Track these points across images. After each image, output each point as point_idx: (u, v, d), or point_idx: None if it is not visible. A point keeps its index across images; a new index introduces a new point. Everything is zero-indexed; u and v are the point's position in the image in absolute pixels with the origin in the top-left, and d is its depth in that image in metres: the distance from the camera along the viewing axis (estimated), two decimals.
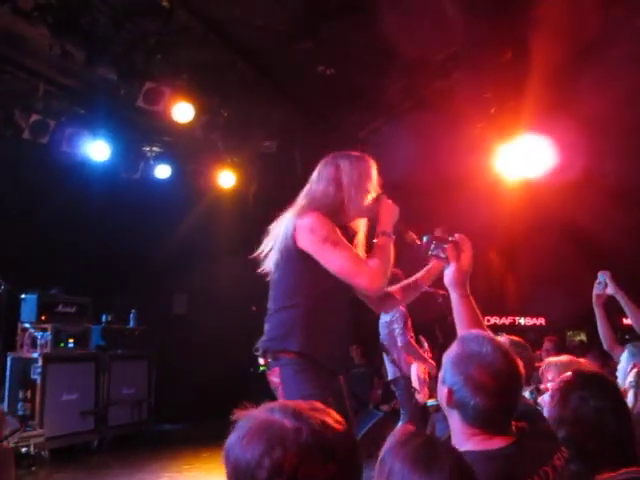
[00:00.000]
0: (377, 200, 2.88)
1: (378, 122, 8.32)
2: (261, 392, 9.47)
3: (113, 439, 7.81)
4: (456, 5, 5.79)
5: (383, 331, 6.38)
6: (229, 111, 7.53)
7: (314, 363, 2.70)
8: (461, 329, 2.22)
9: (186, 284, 10.17)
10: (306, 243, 2.70)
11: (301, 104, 7.78)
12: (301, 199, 2.90)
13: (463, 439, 1.79)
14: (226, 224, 9.39)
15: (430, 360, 6.14)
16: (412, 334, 6.23)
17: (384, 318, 6.35)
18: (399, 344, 6.14)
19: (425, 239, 2.40)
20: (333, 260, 2.68)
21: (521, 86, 6.31)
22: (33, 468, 6.44)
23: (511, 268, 8.35)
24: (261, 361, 2.88)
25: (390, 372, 6.46)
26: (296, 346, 2.70)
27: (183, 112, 6.66)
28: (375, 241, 2.82)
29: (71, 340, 7.75)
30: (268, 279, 2.95)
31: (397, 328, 6.17)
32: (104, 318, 8.55)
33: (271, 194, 8.95)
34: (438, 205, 8.28)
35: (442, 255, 2.36)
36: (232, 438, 1.17)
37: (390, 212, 2.87)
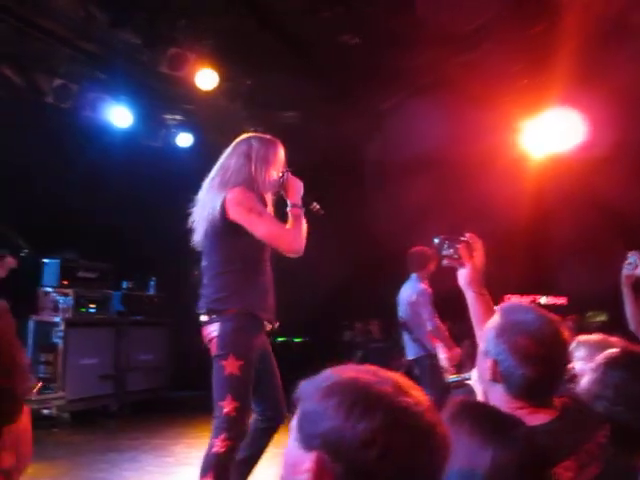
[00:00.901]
0: (283, 176, 3.35)
1: (401, 95, 8.19)
2: (278, 363, 9.50)
3: (131, 404, 7.90)
4: None
5: (405, 309, 6.25)
6: (252, 80, 7.45)
7: (252, 318, 3.25)
8: (479, 328, 2.17)
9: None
10: (235, 215, 3.17)
11: (324, 74, 7.67)
12: (216, 173, 3.41)
13: (509, 410, 1.74)
14: None
15: (456, 347, 6.02)
16: (437, 315, 6.11)
17: (406, 296, 6.24)
18: (428, 328, 5.99)
19: (436, 240, 2.40)
20: (259, 228, 3.16)
21: (551, 59, 6.16)
22: (55, 429, 6.57)
23: (535, 246, 8.24)
24: (204, 318, 3.36)
25: (412, 351, 6.31)
26: (238, 305, 3.23)
27: (207, 79, 6.60)
28: (288, 212, 3.29)
29: (92, 305, 7.82)
30: (196, 246, 3.46)
31: (424, 312, 6.03)
32: (124, 285, 8.61)
33: (292, 166, 8.88)
34: (462, 181, 8.17)
35: (455, 256, 2.34)
36: (329, 401, 1.01)
37: (296, 187, 3.34)
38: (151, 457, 5.70)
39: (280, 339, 9.68)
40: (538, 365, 1.73)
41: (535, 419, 1.70)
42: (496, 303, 2.23)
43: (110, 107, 7.53)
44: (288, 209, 3.33)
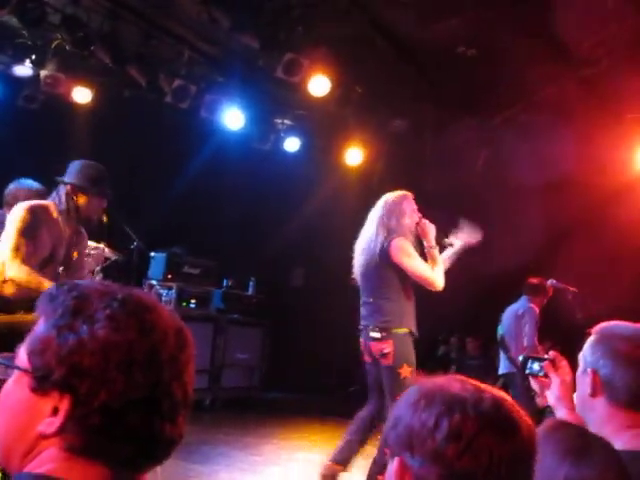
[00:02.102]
0: (417, 224, 4.28)
1: (515, 109, 7.99)
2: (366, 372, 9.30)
3: (225, 400, 8.07)
4: None
5: (508, 323, 6.15)
6: (363, 87, 7.48)
7: (412, 336, 4.19)
8: None
9: (305, 258, 10.30)
10: (397, 258, 4.12)
11: (436, 85, 7.59)
12: (380, 225, 4.25)
13: (610, 432, 1.65)
14: (350, 201, 9.37)
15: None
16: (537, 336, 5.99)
17: (513, 311, 6.16)
18: (524, 344, 5.89)
19: (521, 358, 2.38)
20: (415, 271, 4.14)
21: None
22: None
23: None
24: (376, 335, 4.20)
25: (503, 366, 6.21)
26: (405, 325, 4.17)
27: (319, 85, 6.68)
28: (426, 252, 4.22)
29: (193, 300, 8.06)
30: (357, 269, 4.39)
31: (527, 327, 5.94)
32: (225, 283, 8.81)
33: (396, 174, 8.85)
34: (573, 199, 7.85)
35: (540, 373, 2.29)
36: (402, 404, 1.09)
37: (430, 230, 4.25)
38: (242, 454, 5.79)
39: None
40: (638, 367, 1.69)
41: None
42: None
43: (224, 109, 7.75)
44: (425, 250, 4.24)
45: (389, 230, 4.21)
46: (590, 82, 6.85)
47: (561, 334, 6.46)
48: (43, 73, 6.96)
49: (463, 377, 1.11)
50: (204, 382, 7.83)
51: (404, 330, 4.16)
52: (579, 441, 1.31)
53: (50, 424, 0.94)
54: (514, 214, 7.84)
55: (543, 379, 2.26)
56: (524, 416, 1.06)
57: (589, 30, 6.33)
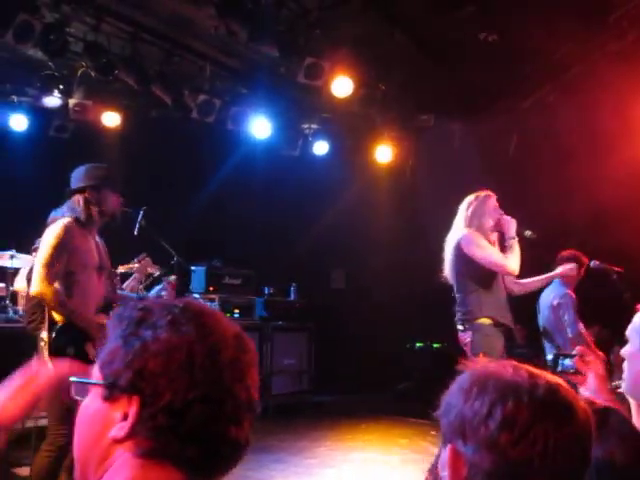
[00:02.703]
0: (499, 220, 4.53)
1: (543, 91, 7.87)
2: (415, 369, 9.38)
3: (276, 407, 8.11)
4: None
5: (546, 314, 5.98)
6: (386, 85, 7.46)
7: (497, 326, 4.34)
8: None
9: (344, 259, 10.30)
10: (468, 250, 4.36)
11: (461, 74, 7.52)
12: (462, 223, 4.52)
13: None
14: (384, 199, 9.37)
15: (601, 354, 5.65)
16: (581, 322, 5.81)
17: (548, 301, 5.97)
18: (569, 335, 5.71)
19: (550, 357, 2.37)
20: (485, 258, 4.35)
21: None
22: None
23: None
24: (460, 327, 4.43)
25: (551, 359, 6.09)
26: (485, 315, 4.32)
27: (342, 86, 6.68)
28: (506, 244, 4.45)
29: (236, 310, 8.13)
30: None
31: (567, 317, 5.74)
32: (266, 290, 8.87)
33: (428, 168, 8.80)
34: (602, 176, 7.68)
35: (571, 370, 2.25)
36: (453, 390, 1.08)
37: (510, 225, 4.50)
38: (296, 459, 5.82)
39: (419, 344, 9.59)
40: None
41: None
42: None
43: (250, 119, 7.82)
44: (505, 243, 4.47)
45: (469, 227, 4.46)
46: (619, 53, 6.70)
47: (609, 316, 6.32)
48: (71, 102, 7.12)
49: (516, 363, 1.09)
50: None
51: (483, 320, 4.32)
52: (616, 421, 1.28)
53: (121, 428, 0.98)
54: (552, 197, 7.71)
55: (575, 376, 2.21)
56: (580, 401, 1.04)
57: (613, 2, 6.22)
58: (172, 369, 0.98)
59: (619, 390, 2.22)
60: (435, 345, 9.52)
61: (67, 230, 3.77)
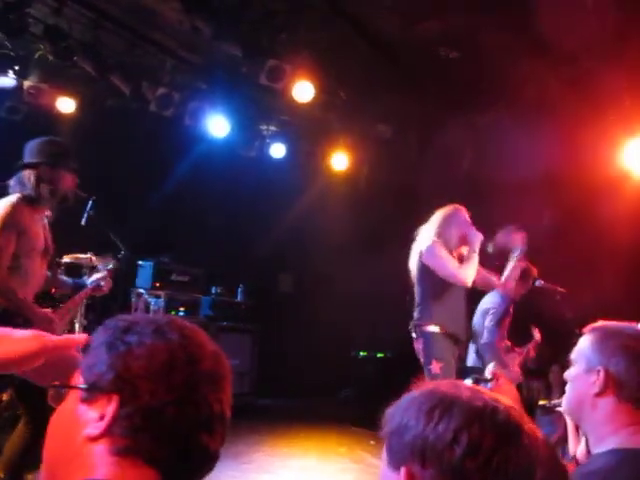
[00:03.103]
0: (466, 234, 4.68)
1: (498, 110, 8.03)
2: (358, 376, 9.43)
3: None
4: None
5: (477, 316, 5.91)
6: (347, 92, 7.50)
7: (445, 333, 4.49)
8: None
9: (294, 263, 10.31)
10: (427, 260, 4.56)
11: (420, 88, 7.62)
12: (431, 233, 4.68)
13: (611, 430, 1.66)
14: (338, 206, 9.41)
15: (515, 367, 5.72)
16: (505, 335, 5.84)
17: (484, 304, 6.02)
18: (482, 340, 5.70)
19: (470, 381, 2.44)
20: (440, 269, 4.55)
21: None
22: None
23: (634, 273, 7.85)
24: (413, 334, 4.59)
25: (470, 360, 6.10)
26: (435, 323, 4.50)
27: (303, 91, 6.68)
28: (466, 256, 4.64)
29: (182, 308, 8.04)
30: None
31: (488, 323, 5.69)
32: (214, 290, 8.80)
33: (383, 178, 8.88)
34: (556, 197, 7.89)
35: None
36: (409, 410, 1.04)
37: (475, 238, 4.65)
38: (234, 463, 5.75)
39: (363, 353, 9.65)
40: None
41: None
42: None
43: (209, 116, 7.75)
44: (465, 253, 4.66)
45: (436, 234, 4.64)
46: (572, 80, 6.89)
47: (550, 335, 6.47)
48: (26, 84, 6.94)
49: (459, 382, 1.10)
50: None
51: (431, 327, 4.49)
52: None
53: (97, 427, 1.01)
54: (499, 214, 7.85)
55: None
56: (527, 422, 1.05)
57: (569, 29, 6.38)
58: (153, 371, 1.03)
59: (557, 409, 2.27)
60: (379, 354, 9.59)
61: (16, 208, 3.54)
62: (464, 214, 4.79)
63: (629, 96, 6.89)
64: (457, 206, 4.82)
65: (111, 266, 5.41)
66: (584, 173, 7.44)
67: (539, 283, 5.92)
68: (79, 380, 1.07)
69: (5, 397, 4.35)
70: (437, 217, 4.77)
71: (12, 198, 3.59)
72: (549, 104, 7.05)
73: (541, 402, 5.29)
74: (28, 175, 3.66)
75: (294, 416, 8.32)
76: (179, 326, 1.10)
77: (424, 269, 4.59)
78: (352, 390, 9.09)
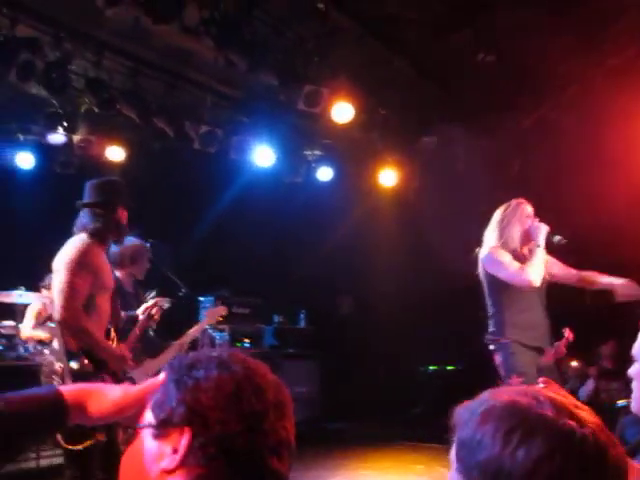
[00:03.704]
0: (530, 227, 4.28)
1: (543, 109, 7.89)
2: (428, 392, 9.24)
3: None
4: None
5: None
6: (387, 109, 7.49)
7: (524, 346, 4.15)
8: None
9: (351, 285, 10.27)
10: (490, 269, 4.22)
11: (460, 97, 7.56)
12: (493, 231, 4.36)
13: None
14: (389, 223, 9.36)
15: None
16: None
17: None
18: None
19: None
20: (505, 277, 4.17)
21: None
22: None
23: None
24: (491, 347, 4.28)
25: None
26: (509, 336, 4.17)
27: (342, 112, 6.71)
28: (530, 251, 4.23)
29: (246, 340, 8.11)
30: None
31: None
32: (275, 319, 8.85)
33: (433, 190, 8.80)
34: (606, 192, 7.66)
35: None
36: (485, 426, 0.94)
37: (539, 231, 4.23)
38: None
39: (432, 367, 9.51)
40: None
41: None
42: None
43: (253, 147, 7.86)
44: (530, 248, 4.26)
45: (497, 236, 4.31)
46: (617, 73, 6.72)
47: (623, 332, 6.22)
48: (75, 138, 7.19)
49: (540, 391, 0.98)
50: None
51: (507, 340, 4.18)
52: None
53: (172, 460, 1.05)
54: (556, 213, 7.67)
55: None
56: (613, 445, 0.94)
57: (612, 17, 6.24)
58: (221, 402, 1.07)
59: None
60: (448, 368, 9.44)
61: (88, 247, 3.58)
62: (525, 208, 4.39)
63: None
64: (517, 200, 4.44)
65: (153, 294, 5.53)
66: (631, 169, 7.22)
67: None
68: (149, 418, 1.11)
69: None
70: (496, 217, 4.41)
71: (82, 237, 3.64)
72: (597, 95, 6.87)
73: (619, 403, 5.06)
74: (93, 214, 3.72)
75: (366, 438, 8.22)
76: (241, 359, 1.15)
77: (490, 278, 4.26)
78: (422, 406, 8.95)
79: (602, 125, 7.08)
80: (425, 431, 7.77)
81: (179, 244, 7.93)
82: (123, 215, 3.90)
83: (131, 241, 4.77)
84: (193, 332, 5.35)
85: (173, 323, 6.62)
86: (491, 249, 4.24)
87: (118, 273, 4.72)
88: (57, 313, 3.48)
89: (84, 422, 1.26)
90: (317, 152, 8.82)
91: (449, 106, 7.66)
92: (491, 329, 4.29)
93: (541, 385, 2.16)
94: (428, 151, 8.47)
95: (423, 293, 8.74)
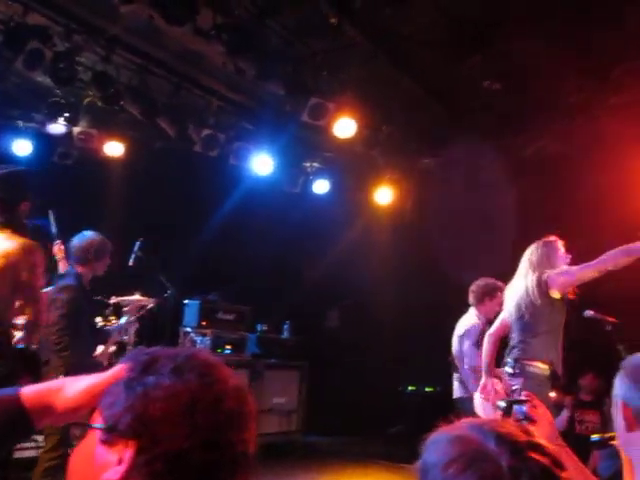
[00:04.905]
0: None
1: (544, 141, 7.94)
2: (407, 412, 9.21)
3: (264, 446, 7.97)
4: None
5: (455, 345, 5.81)
6: (390, 127, 7.52)
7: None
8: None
9: (340, 298, 10.26)
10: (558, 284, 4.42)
11: (464, 121, 7.60)
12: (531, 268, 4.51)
13: None
14: (383, 240, 9.37)
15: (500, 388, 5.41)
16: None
17: (458, 331, 5.82)
18: (465, 365, 5.54)
19: (503, 404, 2.34)
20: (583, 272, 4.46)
21: None
22: None
23: None
24: (510, 370, 4.34)
25: (456, 391, 5.87)
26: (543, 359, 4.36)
27: (345, 127, 6.72)
28: None
29: (228, 346, 8.04)
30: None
31: (465, 347, 5.54)
32: (260, 327, 8.81)
33: (428, 211, 8.83)
34: (603, 223, 7.70)
35: (524, 417, 2.26)
36: (435, 454, 0.98)
37: None
38: None
39: (411, 387, 9.48)
40: None
41: None
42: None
43: (253, 155, 7.85)
44: None
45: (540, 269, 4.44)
46: (621, 110, 6.78)
47: (602, 366, 6.26)
48: (76, 130, 7.15)
49: (493, 423, 0.99)
50: None
51: (540, 366, 4.34)
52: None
53: (115, 472, 0.97)
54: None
55: (528, 423, 2.18)
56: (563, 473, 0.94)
57: (618, 56, 6.29)
58: (172, 415, 0.98)
59: (611, 442, 2.21)
60: (427, 389, 9.42)
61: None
62: (560, 246, 4.60)
63: None
64: (551, 238, 4.62)
65: (149, 306, 5.55)
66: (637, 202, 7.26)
67: (587, 314, 5.72)
68: (98, 420, 1.04)
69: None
70: (536, 249, 4.57)
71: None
72: (598, 132, 6.93)
73: (593, 437, 5.08)
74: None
75: (343, 454, 8.19)
76: (200, 363, 1.06)
77: (535, 305, 4.38)
78: (402, 426, 8.92)
79: (601, 163, 7.15)
80: (400, 451, 7.75)
81: (172, 244, 7.90)
82: (26, 208, 3.93)
83: (91, 236, 4.72)
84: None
85: (157, 323, 6.60)
86: (549, 274, 4.38)
87: (80, 269, 4.67)
88: None
89: (54, 422, 1.18)
90: (316, 164, 8.82)
91: (453, 130, 7.70)
92: (518, 353, 4.39)
93: (525, 399, 2.22)
94: (427, 172, 8.52)
95: (410, 313, 8.75)
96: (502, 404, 2.35)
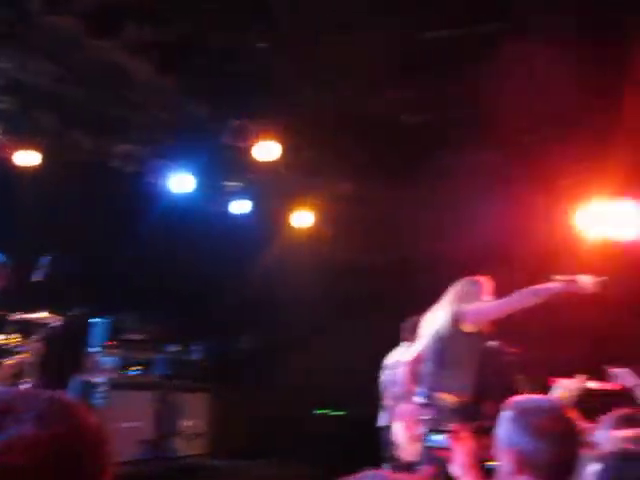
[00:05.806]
0: None
1: (456, 176, 8.20)
2: (319, 436, 9.21)
3: (171, 470, 7.77)
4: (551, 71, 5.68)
5: (384, 374, 5.96)
6: (312, 152, 7.59)
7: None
8: None
9: (255, 322, 10.20)
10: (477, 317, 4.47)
11: (381, 152, 7.75)
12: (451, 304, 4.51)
13: None
14: (301, 264, 9.40)
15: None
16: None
17: (389, 360, 5.98)
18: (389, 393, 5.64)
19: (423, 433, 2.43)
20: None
21: (613, 148, 6.11)
22: None
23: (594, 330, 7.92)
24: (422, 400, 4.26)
25: (380, 418, 5.98)
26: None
27: (268, 150, 6.75)
28: None
29: (137, 367, 7.84)
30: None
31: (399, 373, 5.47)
32: (170, 348, 8.63)
33: (346, 236, 8.94)
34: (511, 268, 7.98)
35: (440, 446, 2.36)
36: None
37: None
38: None
39: (320, 411, 9.50)
40: (558, 442, 1.68)
41: None
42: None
43: (173, 172, 7.73)
44: None
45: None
46: (530, 148, 7.10)
47: (502, 395, 6.41)
48: None
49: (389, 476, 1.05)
50: (148, 453, 7.53)
51: (451, 398, 4.26)
52: None
53: None
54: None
55: (445, 452, 2.22)
56: None
57: (520, 104, 6.58)
58: (39, 463, 0.96)
59: None
60: (338, 412, 9.47)
61: None
62: (485, 286, 4.60)
63: (584, 162, 7.10)
64: (480, 278, 4.63)
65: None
66: (537, 241, 7.60)
67: (489, 344, 5.81)
68: None
69: None
70: (456, 289, 4.57)
71: None
72: (504, 170, 7.23)
73: (488, 464, 5.21)
74: None
75: (249, 478, 8.09)
76: (62, 406, 1.04)
77: (448, 337, 4.40)
78: (310, 449, 8.91)
79: (508, 197, 7.46)
80: (309, 474, 7.73)
81: (85, 262, 7.64)
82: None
83: None
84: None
85: (65, 343, 6.36)
86: (465, 308, 4.40)
87: None
88: None
89: None
90: (237, 184, 8.77)
91: (371, 159, 7.84)
92: (431, 385, 4.36)
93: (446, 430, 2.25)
94: (346, 197, 8.64)
95: (324, 338, 8.80)
96: (423, 432, 2.39)
